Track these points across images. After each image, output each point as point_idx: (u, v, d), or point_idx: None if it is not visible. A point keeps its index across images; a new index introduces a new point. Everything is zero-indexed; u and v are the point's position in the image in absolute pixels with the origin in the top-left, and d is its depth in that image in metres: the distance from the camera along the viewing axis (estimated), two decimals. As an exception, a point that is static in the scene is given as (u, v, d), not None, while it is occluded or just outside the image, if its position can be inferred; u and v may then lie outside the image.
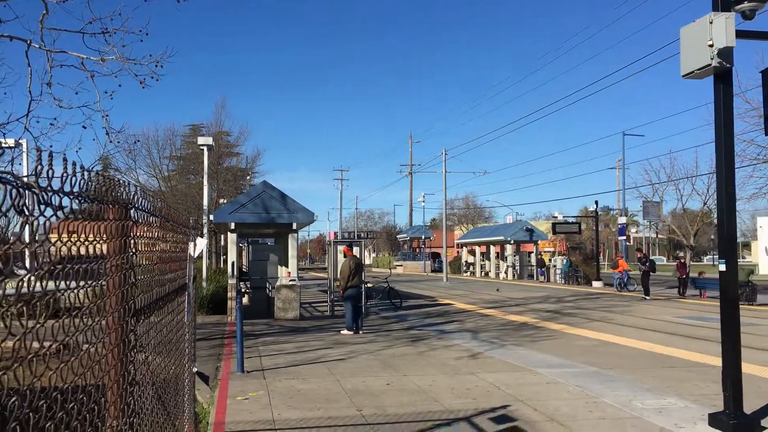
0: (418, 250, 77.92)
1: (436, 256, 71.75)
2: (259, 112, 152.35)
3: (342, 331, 14.88)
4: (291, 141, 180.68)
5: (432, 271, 66.07)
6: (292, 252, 18.59)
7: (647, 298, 25.52)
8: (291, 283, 17.96)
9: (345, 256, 16.00)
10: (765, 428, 6.69)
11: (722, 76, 6.69)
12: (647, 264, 26.99)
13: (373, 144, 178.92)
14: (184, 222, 5.13)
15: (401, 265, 69.31)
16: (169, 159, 47.54)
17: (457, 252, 67.10)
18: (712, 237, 49.99)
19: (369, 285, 20.00)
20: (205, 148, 22.39)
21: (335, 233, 72.52)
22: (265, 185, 18.96)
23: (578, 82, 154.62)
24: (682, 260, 31.14)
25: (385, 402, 7.97)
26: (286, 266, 18.73)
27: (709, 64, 6.48)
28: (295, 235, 18.64)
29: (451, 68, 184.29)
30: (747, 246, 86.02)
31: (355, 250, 19.62)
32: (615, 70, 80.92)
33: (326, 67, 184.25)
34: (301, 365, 10.58)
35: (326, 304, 20.64)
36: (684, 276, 29.05)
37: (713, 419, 6.81)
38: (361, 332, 14.90)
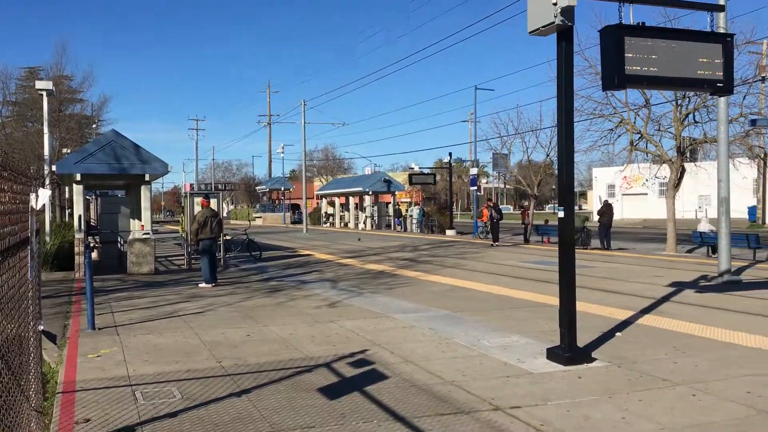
0: (277, 201, 77.20)
1: (295, 208, 71.50)
2: (105, 57, 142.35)
3: (200, 285, 14.60)
4: (141, 89, 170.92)
5: (292, 222, 65.84)
6: (145, 204, 17.80)
7: (495, 244, 27.00)
8: (145, 236, 17.26)
9: (203, 209, 15.59)
10: (595, 359, 7.41)
11: (564, 34, 7.11)
12: (497, 212, 28.54)
13: (230, 94, 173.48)
14: (23, 171, 4.77)
15: (261, 217, 68.45)
16: (2, 104, 43.41)
17: (317, 203, 67.33)
18: (554, 187, 53.60)
19: (227, 237, 19.67)
20: (44, 93, 20.70)
21: (191, 185, 70.14)
22: (116, 134, 17.90)
23: (435, 35, 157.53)
24: (527, 209, 33.30)
25: (245, 352, 7.98)
26: (140, 219, 17.94)
27: (553, 22, 6.86)
28: (149, 186, 17.83)
29: (309, 17, 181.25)
30: (584, 195, 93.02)
31: (213, 202, 19.13)
32: (469, 24, 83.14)
33: (179, 9, 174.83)
34: (156, 320, 10.30)
35: (183, 257, 20.08)
36: (527, 224, 31.10)
37: (550, 353, 7.46)
38: (216, 284, 14.70)
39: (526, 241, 30.02)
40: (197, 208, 19.52)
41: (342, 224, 55.77)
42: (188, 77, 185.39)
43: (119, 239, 19.26)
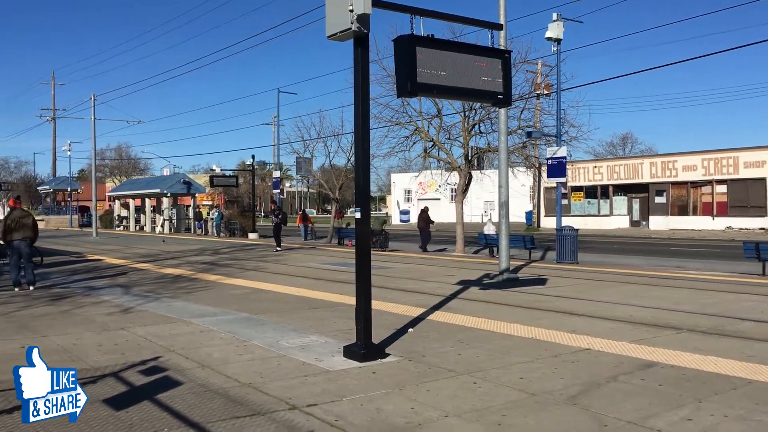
0: (64, 203, 71.08)
1: (85, 210, 66.37)
2: None
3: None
4: None
5: (80, 225, 61.09)
6: None
7: (279, 249, 26.64)
8: None
9: (11, 209, 14.55)
10: (389, 354, 7.73)
11: (360, 41, 7.35)
12: (279, 216, 28.53)
13: (7, 84, 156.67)
14: None
15: (43, 220, 62.57)
16: None
17: (110, 205, 63.10)
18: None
19: (1, 243, 17.72)
20: None
21: (-43, 183, 62.25)
22: None
23: (238, 34, 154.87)
24: (340, 212, 34.18)
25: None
26: None
27: (350, 28, 7.06)
28: None
29: (100, 5, 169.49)
30: (383, 200, 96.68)
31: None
32: (273, 25, 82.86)
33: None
34: None
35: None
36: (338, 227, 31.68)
37: (347, 350, 7.65)
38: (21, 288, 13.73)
39: (340, 243, 30.59)
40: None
41: (137, 228, 52.81)
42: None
43: None
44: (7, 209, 14.81)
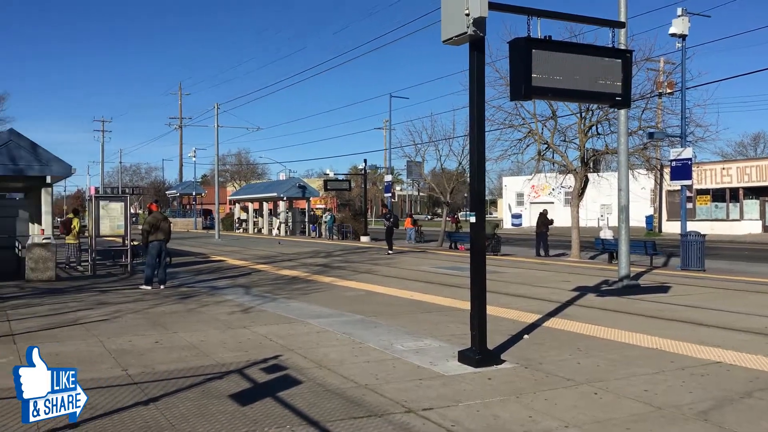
0: (189, 206, 75.27)
1: (207, 213, 69.98)
2: (1, 52, 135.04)
3: (140, 286, 14.89)
4: (43, 87, 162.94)
5: (203, 228, 64.43)
6: (45, 208, 16.95)
7: (390, 252, 26.88)
8: (45, 241, 16.42)
9: (151, 212, 15.76)
10: (504, 361, 7.63)
11: (476, 44, 7.31)
12: (391, 219, 28.70)
13: (140, 95, 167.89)
14: None
15: (171, 222, 66.53)
16: None
17: (230, 209, 66.06)
18: (466, 195, 54.87)
19: (135, 242, 19.00)
20: (-67, 88, 19.34)
21: (96, 188, 67.37)
22: (12, 133, 16.93)
23: (352, 42, 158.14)
24: (456, 216, 34.06)
25: (153, 360, 7.73)
26: (39, 223, 17.07)
27: (465, 32, 7.04)
28: (49, 189, 17.00)
29: (224, 17, 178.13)
30: (494, 203, 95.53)
31: (119, 206, 18.62)
32: (385, 32, 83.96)
33: (80, 6, 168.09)
34: (58, 328, 9.82)
35: (87, 263, 19.24)
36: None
37: (462, 355, 7.61)
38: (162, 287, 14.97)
39: (452, 247, 30.43)
40: (102, 212, 18.79)
41: (255, 230, 54.99)
42: (94, 77, 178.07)
43: (17, 244, 18.25)
44: (146, 212, 15.91)
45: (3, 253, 18.34)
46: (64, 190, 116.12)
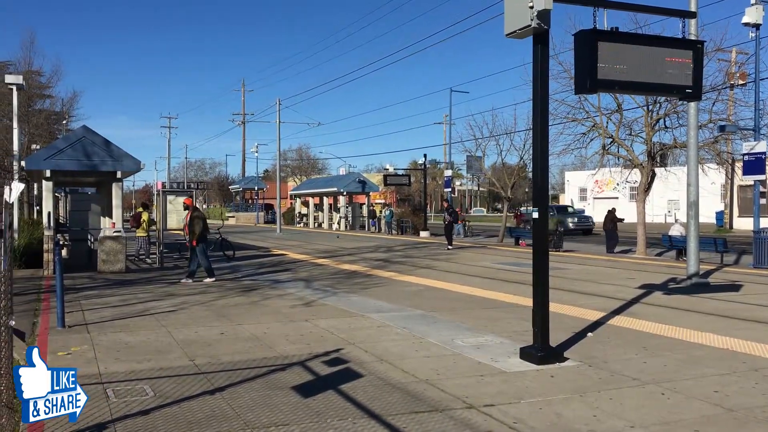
0: (251, 201, 76.78)
1: (269, 208, 71.21)
2: (74, 51, 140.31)
3: (205, 280, 15.14)
4: (113, 85, 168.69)
5: (265, 222, 65.57)
6: (116, 202, 17.59)
7: (450, 247, 26.58)
8: (116, 234, 17.04)
9: (187, 207, 15.81)
10: (567, 358, 7.51)
11: (540, 37, 7.20)
12: (452, 214, 28.50)
13: (204, 91, 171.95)
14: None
15: (233, 217, 68.07)
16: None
17: (291, 203, 67.04)
18: (527, 190, 54.09)
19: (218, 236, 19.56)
20: (14, 88, 20.27)
21: (163, 183, 69.37)
22: (86, 130, 17.63)
23: (412, 37, 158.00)
24: (518, 212, 33.50)
25: (219, 351, 7.93)
26: (110, 217, 17.73)
27: (529, 25, 6.93)
28: (120, 184, 17.62)
29: (285, 15, 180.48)
30: (556, 198, 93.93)
31: (181, 201, 19.17)
32: (446, 26, 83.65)
33: (147, 6, 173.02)
34: (128, 318, 10.19)
35: (155, 255, 19.86)
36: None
37: (523, 352, 7.53)
38: (190, 281, 14.99)
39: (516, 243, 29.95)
40: (169, 206, 19.38)
41: (316, 224, 55.62)
42: (160, 74, 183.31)
43: (89, 237, 19.00)
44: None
45: (76, 245, 19.14)
46: (133, 185, 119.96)
